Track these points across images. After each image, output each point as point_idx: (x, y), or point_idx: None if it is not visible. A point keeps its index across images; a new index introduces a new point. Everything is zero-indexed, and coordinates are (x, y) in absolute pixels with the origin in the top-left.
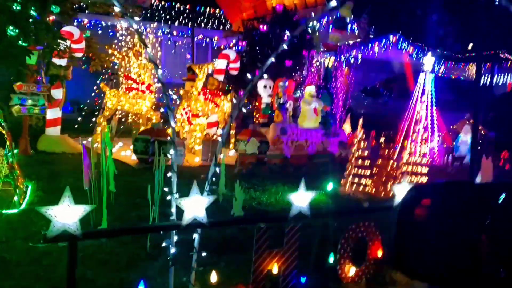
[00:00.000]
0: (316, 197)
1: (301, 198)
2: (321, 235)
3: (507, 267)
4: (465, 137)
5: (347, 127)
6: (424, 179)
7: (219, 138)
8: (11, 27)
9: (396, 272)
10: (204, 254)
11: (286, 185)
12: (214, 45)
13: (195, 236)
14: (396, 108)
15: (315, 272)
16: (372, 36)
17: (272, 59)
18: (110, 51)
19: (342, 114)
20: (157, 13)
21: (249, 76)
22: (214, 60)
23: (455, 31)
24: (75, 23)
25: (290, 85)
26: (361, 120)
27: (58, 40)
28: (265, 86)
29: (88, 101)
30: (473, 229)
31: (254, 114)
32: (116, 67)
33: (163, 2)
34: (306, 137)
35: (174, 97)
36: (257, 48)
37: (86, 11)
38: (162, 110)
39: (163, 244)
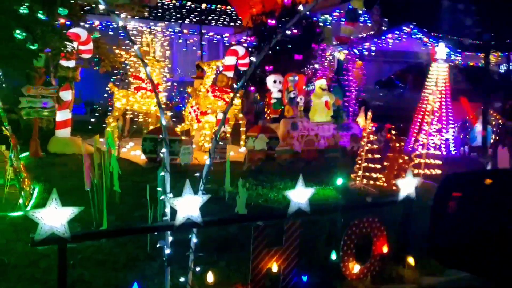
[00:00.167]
0: (325, 192)
1: (300, 194)
2: (325, 231)
3: None
4: (478, 127)
5: (361, 120)
6: (438, 172)
7: (228, 135)
8: (18, 31)
9: (404, 268)
10: (200, 254)
11: (295, 181)
12: (225, 42)
13: (191, 235)
14: (412, 100)
15: (317, 269)
16: (385, 28)
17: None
18: (117, 51)
19: (355, 107)
20: (167, 12)
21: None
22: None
23: (471, 19)
24: (86, 25)
25: (301, 80)
26: (369, 113)
27: (65, 42)
28: (274, 81)
29: (101, 102)
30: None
31: (265, 110)
32: (127, 67)
33: (173, 1)
34: (317, 131)
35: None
36: (266, 43)
37: (95, 13)
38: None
39: (158, 245)
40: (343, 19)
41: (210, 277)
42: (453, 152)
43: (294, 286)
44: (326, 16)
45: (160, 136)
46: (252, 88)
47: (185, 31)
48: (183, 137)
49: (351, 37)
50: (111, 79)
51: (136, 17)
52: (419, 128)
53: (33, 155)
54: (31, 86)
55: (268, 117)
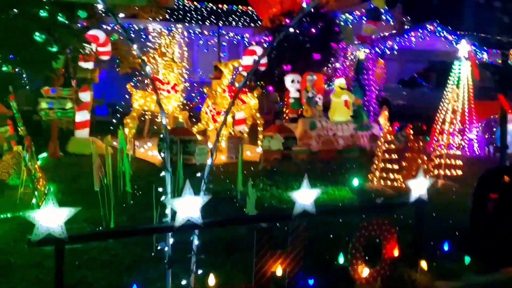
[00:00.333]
0: (340, 193)
1: (305, 196)
2: (332, 233)
3: None
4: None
5: (382, 120)
6: (459, 172)
7: (245, 135)
8: (38, 33)
9: (416, 272)
10: (202, 256)
11: (311, 181)
12: (245, 43)
13: (193, 237)
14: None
15: (324, 273)
16: (407, 27)
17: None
18: (134, 52)
19: (375, 106)
20: (188, 14)
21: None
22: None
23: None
24: (109, 27)
25: (319, 79)
26: (386, 112)
27: (83, 44)
28: (292, 81)
29: (123, 103)
30: None
31: (284, 109)
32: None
33: (195, 3)
34: (336, 131)
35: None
36: (285, 43)
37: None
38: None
39: (158, 247)
40: (364, 18)
41: (211, 280)
42: (477, 152)
43: None
44: (347, 15)
45: (178, 136)
46: (270, 88)
47: (205, 32)
48: (199, 137)
49: (373, 36)
50: (133, 80)
51: (156, 19)
52: (440, 128)
53: (52, 155)
54: (49, 87)
55: (286, 117)
